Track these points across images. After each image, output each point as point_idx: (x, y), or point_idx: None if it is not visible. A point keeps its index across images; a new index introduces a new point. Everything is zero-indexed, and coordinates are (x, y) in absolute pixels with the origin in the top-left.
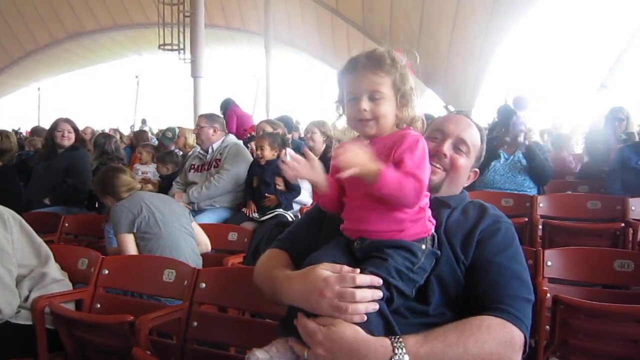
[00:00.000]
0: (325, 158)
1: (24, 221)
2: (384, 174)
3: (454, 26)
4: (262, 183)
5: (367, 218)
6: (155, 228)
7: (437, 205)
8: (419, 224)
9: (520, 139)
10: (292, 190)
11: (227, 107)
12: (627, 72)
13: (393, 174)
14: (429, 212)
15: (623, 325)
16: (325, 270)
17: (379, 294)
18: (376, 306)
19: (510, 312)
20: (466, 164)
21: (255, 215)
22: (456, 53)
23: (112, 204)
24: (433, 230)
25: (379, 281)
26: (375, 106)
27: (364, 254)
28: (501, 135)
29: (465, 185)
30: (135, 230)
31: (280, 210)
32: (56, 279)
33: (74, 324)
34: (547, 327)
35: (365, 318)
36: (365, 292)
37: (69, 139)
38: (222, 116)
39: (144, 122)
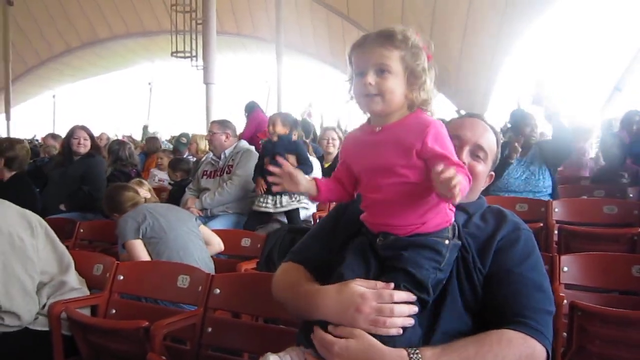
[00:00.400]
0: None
1: (49, 228)
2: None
3: (465, 31)
4: (272, 159)
5: (389, 211)
6: (160, 232)
7: (455, 210)
8: (440, 215)
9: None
10: (303, 164)
11: (253, 109)
12: None
13: (461, 177)
14: None
15: None
16: (361, 286)
17: (415, 309)
18: (412, 321)
19: (532, 325)
20: (484, 170)
21: (266, 200)
22: (468, 58)
23: (116, 217)
24: (453, 219)
25: (413, 297)
26: (382, 80)
27: (388, 251)
28: (512, 142)
29: (482, 189)
30: (141, 236)
31: (294, 204)
32: (74, 288)
33: (89, 330)
34: (564, 333)
35: (402, 331)
36: (403, 307)
37: (85, 146)
38: (245, 117)
39: (145, 128)
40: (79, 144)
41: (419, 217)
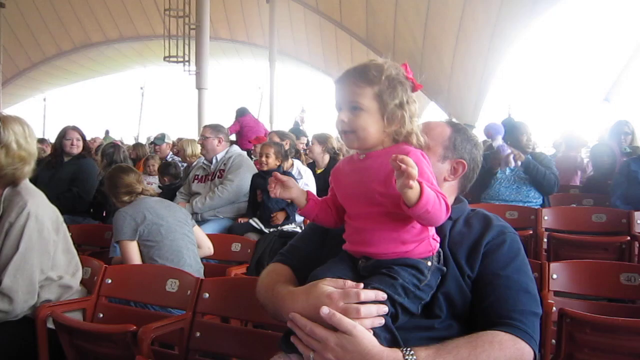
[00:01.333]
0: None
1: (67, 230)
2: (424, 190)
3: (457, 39)
4: (265, 194)
5: (369, 241)
6: (158, 236)
7: None
8: (423, 244)
9: (511, 163)
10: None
11: (242, 115)
12: (630, 86)
13: (430, 190)
14: (432, 231)
15: (630, 339)
16: (329, 286)
17: (384, 309)
18: (382, 321)
19: (521, 327)
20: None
21: (261, 226)
22: (459, 66)
23: (114, 203)
24: (438, 247)
25: (383, 296)
26: (354, 118)
27: (370, 272)
28: (493, 161)
29: (450, 180)
30: (137, 238)
31: (288, 227)
32: (78, 290)
33: (76, 333)
34: (553, 340)
35: (372, 333)
36: (371, 308)
37: (77, 147)
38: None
39: (107, 133)
40: (71, 144)
41: (401, 246)
